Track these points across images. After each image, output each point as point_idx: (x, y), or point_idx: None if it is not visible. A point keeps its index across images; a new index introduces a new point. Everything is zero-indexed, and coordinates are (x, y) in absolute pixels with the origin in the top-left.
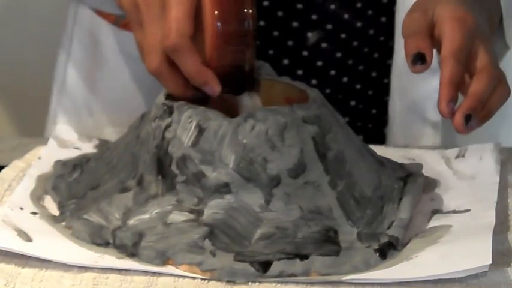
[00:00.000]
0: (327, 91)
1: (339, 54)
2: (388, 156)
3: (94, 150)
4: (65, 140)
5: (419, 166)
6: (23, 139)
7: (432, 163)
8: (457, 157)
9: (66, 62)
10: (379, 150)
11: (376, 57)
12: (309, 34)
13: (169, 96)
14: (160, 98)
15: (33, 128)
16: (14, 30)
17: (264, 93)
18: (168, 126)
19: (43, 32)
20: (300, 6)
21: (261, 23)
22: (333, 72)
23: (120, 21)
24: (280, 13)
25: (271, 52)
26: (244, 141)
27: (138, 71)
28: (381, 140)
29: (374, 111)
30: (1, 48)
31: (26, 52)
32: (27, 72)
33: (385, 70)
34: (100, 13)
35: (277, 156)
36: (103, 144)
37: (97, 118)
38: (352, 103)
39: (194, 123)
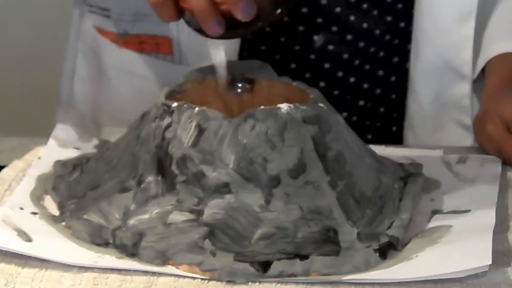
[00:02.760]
0: (335, 92)
1: (345, 56)
2: (388, 156)
3: (94, 150)
4: (65, 140)
5: (419, 166)
6: (23, 139)
7: (432, 164)
8: (457, 163)
9: (72, 76)
10: (379, 150)
11: (382, 56)
12: (315, 37)
13: (169, 96)
14: (161, 98)
15: (33, 128)
16: (14, 30)
17: (264, 93)
18: (168, 126)
19: (43, 33)
20: (305, 10)
21: (267, 29)
22: (340, 74)
23: (120, 39)
24: (285, 18)
25: (278, 57)
26: (244, 141)
27: (140, 88)
28: (391, 138)
29: (382, 109)
30: (1, 48)
31: (26, 52)
32: (27, 72)
33: (392, 68)
34: (101, 31)
35: (277, 156)
36: (103, 144)
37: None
38: (361, 103)
39: (194, 123)
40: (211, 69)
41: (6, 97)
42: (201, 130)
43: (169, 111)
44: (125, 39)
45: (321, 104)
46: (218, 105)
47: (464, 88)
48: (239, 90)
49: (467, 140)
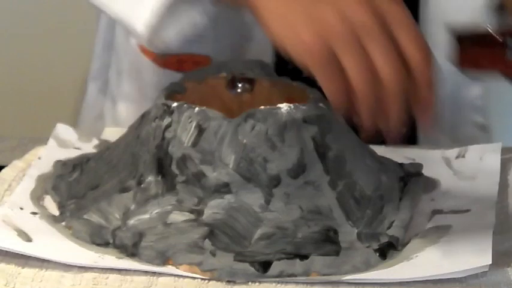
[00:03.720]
0: None
1: None
2: (388, 156)
3: (94, 150)
4: (65, 140)
5: (419, 166)
6: (23, 139)
7: (432, 163)
8: (457, 157)
9: (115, 96)
10: (379, 150)
11: None
12: None
13: (169, 96)
14: (161, 98)
15: (33, 128)
16: (15, 30)
17: (264, 93)
18: (168, 126)
19: (44, 32)
20: None
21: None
22: None
23: (159, 60)
24: None
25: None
26: (244, 141)
27: None
28: (403, 140)
29: None
30: (1, 48)
31: (26, 52)
32: (27, 72)
33: None
34: (143, 50)
35: (277, 156)
36: (103, 144)
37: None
38: None
39: (194, 123)
40: (211, 69)
41: (6, 97)
42: (201, 130)
43: (169, 111)
44: (164, 59)
45: (321, 104)
46: (218, 105)
47: (477, 89)
48: (239, 90)
49: (485, 140)
